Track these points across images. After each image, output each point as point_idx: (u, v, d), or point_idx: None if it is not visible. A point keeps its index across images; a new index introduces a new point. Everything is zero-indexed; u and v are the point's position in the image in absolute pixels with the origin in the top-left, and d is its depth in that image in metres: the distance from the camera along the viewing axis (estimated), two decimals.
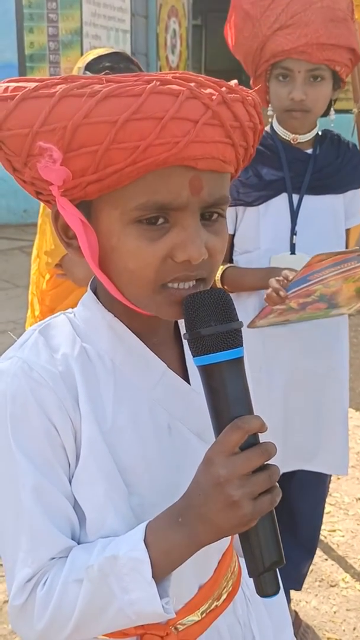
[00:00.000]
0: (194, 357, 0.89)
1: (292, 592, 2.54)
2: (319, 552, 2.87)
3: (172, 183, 0.84)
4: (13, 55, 8.18)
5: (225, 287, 2.10)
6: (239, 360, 0.88)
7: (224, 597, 1.07)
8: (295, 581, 2.45)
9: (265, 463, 0.86)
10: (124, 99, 0.80)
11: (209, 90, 0.85)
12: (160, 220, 0.87)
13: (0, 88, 0.85)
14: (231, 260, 2.14)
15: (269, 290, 1.83)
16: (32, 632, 0.93)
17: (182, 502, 0.88)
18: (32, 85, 0.82)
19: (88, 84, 0.81)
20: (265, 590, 0.89)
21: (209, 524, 0.85)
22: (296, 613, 2.51)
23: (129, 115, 0.79)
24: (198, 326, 0.87)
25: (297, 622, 2.46)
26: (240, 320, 0.90)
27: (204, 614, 1.03)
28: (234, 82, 0.93)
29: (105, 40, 8.68)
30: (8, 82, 0.85)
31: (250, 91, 0.92)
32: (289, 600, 2.48)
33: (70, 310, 1.03)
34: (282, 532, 2.49)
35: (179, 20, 10.74)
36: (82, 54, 7.88)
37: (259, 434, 0.88)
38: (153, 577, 0.86)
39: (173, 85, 0.82)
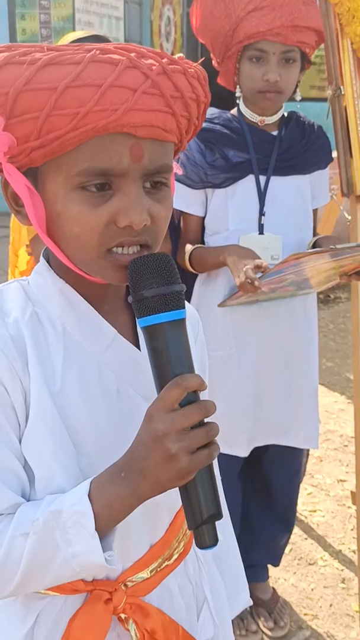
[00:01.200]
0: (137, 318, 0.92)
1: (271, 570, 2.59)
2: (299, 531, 2.91)
3: (113, 150, 0.87)
4: (4, 42, 8.11)
5: (194, 267, 2.13)
6: (181, 322, 0.92)
7: (175, 557, 1.10)
8: (273, 556, 2.49)
9: (206, 421, 0.90)
10: (64, 67, 0.83)
11: (149, 61, 0.87)
12: (104, 187, 0.89)
13: None
14: (203, 242, 2.17)
15: (243, 278, 1.85)
16: None
17: (125, 458, 0.91)
18: None
19: (30, 52, 0.84)
20: (203, 541, 0.92)
21: (148, 477, 0.89)
22: (274, 590, 2.55)
23: (68, 82, 0.82)
24: (141, 288, 0.90)
25: (274, 598, 2.50)
26: (182, 284, 0.92)
27: (154, 572, 1.06)
28: (179, 55, 0.95)
29: (98, 27, 8.66)
30: None
31: (195, 64, 0.95)
32: (267, 576, 2.52)
33: (24, 277, 1.05)
34: (259, 507, 2.53)
35: (173, 8, 10.71)
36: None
37: (200, 392, 0.91)
38: (96, 529, 0.89)
39: (113, 55, 0.85)
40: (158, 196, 0.94)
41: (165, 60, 0.89)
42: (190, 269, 2.13)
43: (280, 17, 1.91)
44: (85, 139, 0.86)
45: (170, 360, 0.90)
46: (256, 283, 1.82)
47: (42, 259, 1.05)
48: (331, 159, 2.19)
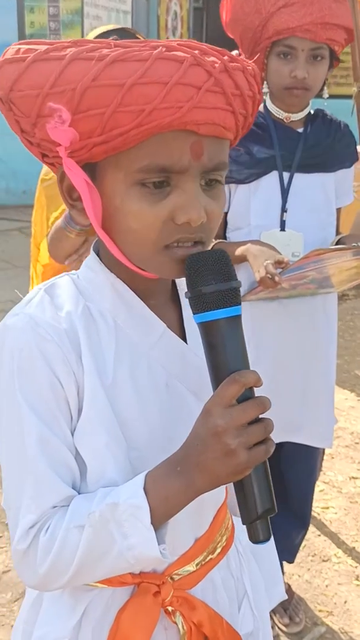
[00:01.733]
0: (194, 314, 0.93)
1: (285, 566, 2.59)
2: (312, 528, 2.92)
3: (174, 147, 0.88)
4: (13, 35, 8.14)
5: None
6: (237, 318, 0.92)
7: (218, 550, 1.12)
8: (288, 553, 2.50)
9: (261, 416, 0.91)
10: (131, 64, 0.83)
11: (211, 58, 0.88)
12: (162, 184, 0.90)
13: (12, 50, 0.88)
14: (225, 238, 2.17)
15: (263, 273, 1.86)
16: (34, 576, 0.97)
17: (181, 452, 0.92)
18: (43, 47, 0.85)
19: (97, 48, 0.84)
20: (257, 536, 0.93)
21: (206, 471, 0.89)
22: (289, 586, 2.56)
23: (135, 79, 0.83)
24: (199, 284, 0.91)
25: (289, 594, 2.51)
26: (239, 280, 0.93)
27: (199, 565, 1.08)
28: (235, 52, 0.96)
29: (106, 21, 8.64)
30: (20, 44, 0.88)
31: (250, 61, 0.96)
32: (282, 572, 2.53)
33: (73, 271, 1.06)
34: None
35: (180, 3, 10.67)
36: (82, 35, 7.87)
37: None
38: (151, 523, 0.90)
39: (178, 52, 0.86)
40: (213, 193, 0.95)
41: (226, 57, 0.89)
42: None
43: (310, 14, 1.91)
44: (148, 135, 0.86)
45: (226, 356, 0.91)
46: (276, 278, 1.82)
47: (92, 252, 1.05)
48: (357, 158, 2.19)
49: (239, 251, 2.00)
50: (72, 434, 0.97)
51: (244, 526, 0.95)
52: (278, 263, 1.85)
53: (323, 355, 2.25)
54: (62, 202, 2.28)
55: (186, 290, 0.93)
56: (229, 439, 0.87)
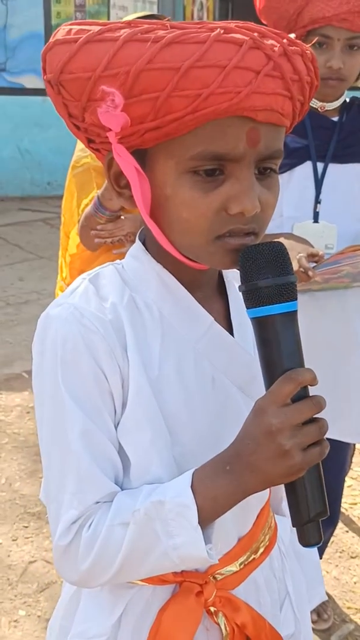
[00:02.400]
0: (248, 309, 0.89)
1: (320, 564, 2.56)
2: (340, 524, 2.89)
3: (230, 134, 0.84)
4: (40, 25, 8.13)
5: None
6: (293, 314, 0.89)
7: (261, 550, 1.09)
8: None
9: (315, 416, 0.87)
10: (187, 46, 0.80)
11: (271, 42, 0.84)
12: (216, 172, 0.87)
13: (63, 30, 0.85)
14: None
15: (296, 267, 1.82)
16: (74, 573, 0.95)
17: (231, 451, 0.89)
18: (96, 28, 0.82)
19: (152, 29, 0.81)
20: (308, 539, 0.90)
21: (257, 472, 0.86)
22: None
23: (192, 63, 0.79)
24: (255, 278, 0.87)
25: None
26: (295, 275, 0.90)
27: (242, 565, 1.05)
28: (292, 35, 0.92)
29: (132, 11, 8.59)
30: (71, 24, 0.85)
31: (308, 46, 0.92)
32: None
33: (118, 261, 1.03)
34: None
35: None
36: None
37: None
38: (198, 522, 0.88)
39: (236, 34, 0.82)
40: (267, 182, 0.91)
41: (285, 40, 0.86)
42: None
43: (347, 3, 1.86)
44: (204, 122, 0.83)
45: (281, 353, 0.88)
46: (310, 273, 1.79)
47: (137, 242, 1.02)
48: None
49: None
50: (116, 428, 0.95)
51: (288, 526, 0.92)
52: (311, 256, 1.82)
53: (354, 349, 2.21)
54: (92, 190, 2.27)
55: (239, 284, 0.90)
56: (283, 439, 0.84)
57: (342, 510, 2.99)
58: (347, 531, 2.89)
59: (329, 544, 2.68)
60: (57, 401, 0.93)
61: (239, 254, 0.89)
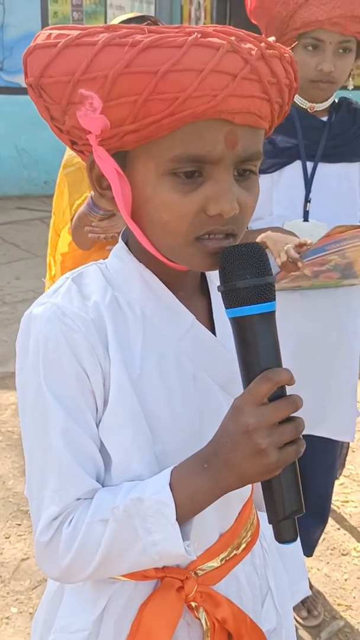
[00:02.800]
0: (227, 309, 0.91)
1: (304, 559, 2.58)
2: (331, 521, 2.90)
3: (208, 136, 0.85)
4: (37, 25, 8.12)
5: None
6: (271, 314, 0.90)
7: (242, 546, 1.10)
8: (306, 547, 2.48)
9: (292, 415, 0.89)
10: (165, 50, 0.81)
11: (248, 45, 0.86)
12: (195, 174, 0.88)
13: (43, 35, 0.86)
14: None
15: (284, 258, 1.83)
16: (55, 569, 0.96)
17: (209, 449, 0.91)
18: (75, 33, 0.83)
19: (130, 33, 0.82)
20: (283, 536, 0.92)
21: (234, 470, 0.88)
22: (307, 579, 2.54)
23: (169, 67, 0.80)
24: (233, 278, 0.89)
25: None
26: (273, 275, 0.91)
27: (224, 561, 1.06)
28: (272, 38, 0.93)
29: (129, 11, 8.59)
30: (51, 29, 0.86)
31: (287, 48, 0.93)
32: None
33: (101, 261, 1.05)
34: None
35: None
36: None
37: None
38: (177, 519, 0.89)
39: (214, 38, 0.83)
40: (246, 184, 0.93)
41: (263, 44, 0.87)
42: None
43: (339, 7, 1.87)
44: (181, 124, 0.84)
45: (259, 352, 0.89)
46: (299, 264, 1.80)
47: (120, 242, 1.04)
48: None
49: (258, 238, 1.98)
50: (97, 426, 0.96)
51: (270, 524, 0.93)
52: (299, 246, 1.83)
53: (346, 347, 2.22)
54: (85, 190, 2.28)
55: (218, 283, 0.91)
56: (259, 438, 0.85)
57: (334, 507, 3.00)
58: (339, 529, 2.91)
59: (320, 542, 2.69)
60: (39, 399, 0.94)
61: (217, 257, 0.90)
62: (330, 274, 2.00)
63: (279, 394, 0.88)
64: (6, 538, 2.71)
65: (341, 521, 2.95)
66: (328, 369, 2.21)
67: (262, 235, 1.96)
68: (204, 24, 10.57)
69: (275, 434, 0.86)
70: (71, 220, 2.27)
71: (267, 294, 0.89)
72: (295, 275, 1.93)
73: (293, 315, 2.13)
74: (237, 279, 0.88)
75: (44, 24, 8.19)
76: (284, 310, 2.07)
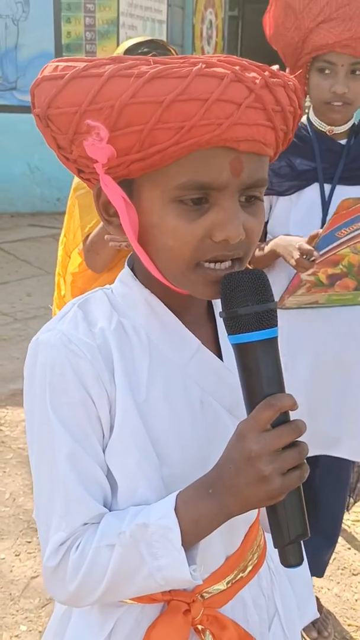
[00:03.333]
0: (229, 335, 0.92)
1: (315, 579, 2.56)
2: (342, 541, 2.89)
3: (213, 164, 0.87)
4: (50, 45, 8.22)
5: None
6: (273, 340, 0.91)
7: (249, 569, 1.10)
8: (316, 568, 2.47)
9: (295, 440, 0.89)
10: (170, 80, 0.83)
11: (252, 74, 0.87)
12: (201, 200, 0.89)
13: (50, 67, 0.88)
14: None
15: (297, 255, 1.84)
16: (64, 593, 0.97)
17: (213, 474, 0.91)
18: (82, 65, 0.85)
19: (136, 64, 0.84)
20: (289, 560, 0.92)
21: (238, 496, 0.89)
22: (317, 599, 2.53)
23: (174, 97, 0.82)
24: (235, 305, 0.90)
25: (318, 607, 2.48)
26: (275, 301, 0.92)
27: (230, 584, 1.07)
28: (275, 66, 0.95)
29: (142, 31, 8.68)
30: (58, 61, 0.88)
31: (291, 76, 0.95)
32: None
33: (107, 286, 1.06)
34: None
35: (215, 12, 10.70)
36: (118, 44, 7.90)
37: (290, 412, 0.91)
38: (182, 544, 0.90)
39: (218, 68, 0.85)
40: (252, 210, 0.94)
41: (267, 73, 0.88)
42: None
43: (349, 30, 1.90)
44: (187, 153, 0.85)
45: (261, 378, 0.90)
46: (314, 255, 1.81)
47: (126, 267, 1.05)
48: None
49: (267, 248, 2.00)
50: (104, 451, 0.97)
51: None
52: (310, 240, 1.85)
53: None
54: (96, 213, 2.30)
55: (221, 310, 0.92)
56: (262, 464, 0.86)
57: (345, 527, 2.99)
58: (350, 548, 2.89)
59: (330, 561, 2.68)
60: (45, 425, 0.95)
61: (220, 285, 0.92)
62: (346, 281, 2.00)
63: (282, 420, 0.89)
64: (16, 555, 2.72)
65: (352, 541, 2.94)
66: (345, 388, 2.19)
67: (272, 243, 1.98)
68: (216, 42, 10.67)
69: (279, 461, 0.86)
70: (83, 242, 2.29)
71: (268, 320, 0.89)
72: (311, 283, 1.93)
73: (309, 332, 2.13)
74: (239, 305, 0.89)
75: (57, 44, 8.29)
76: (300, 328, 2.09)
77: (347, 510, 2.60)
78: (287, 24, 1.97)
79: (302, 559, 0.93)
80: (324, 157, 2.08)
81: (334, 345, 2.15)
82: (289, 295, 2.03)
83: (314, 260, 1.84)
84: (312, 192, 2.08)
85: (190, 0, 9.97)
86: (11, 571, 2.64)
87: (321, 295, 2.04)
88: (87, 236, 2.26)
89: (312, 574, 2.45)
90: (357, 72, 1.97)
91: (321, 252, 1.84)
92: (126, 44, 2.30)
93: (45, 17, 8.24)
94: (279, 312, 2.16)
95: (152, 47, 2.20)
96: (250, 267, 0.94)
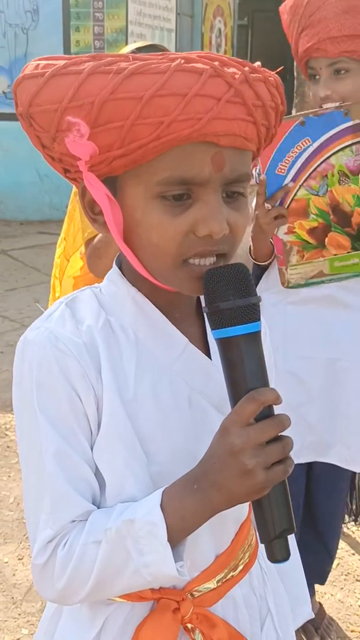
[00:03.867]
0: (212, 330, 0.92)
1: (317, 585, 2.55)
2: (346, 546, 2.87)
3: (195, 159, 0.87)
4: (59, 53, 8.29)
5: (257, 259, 2.06)
6: (256, 334, 0.91)
7: (240, 568, 1.10)
8: (318, 576, 2.45)
9: (279, 434, 0.89)
10: (149, 76, 0.83)
11: (232, 70, 0.88)
12: (184, 196, 0.90)
13: (31, 66, 0.88)
14: None
15: (272, 210, 1.77)
16: (52, 591, 0.97)
17: (198, 470, 0.91)
18: (62, 62, 0.86)
19: (115, 61, 0.85)
20: (275, 556, 0.92)
21: (223, 491, 0.88)
22: (320, 605, 2.51)
23: (153, 92, 0.83)
24: (217, 300, 0.90)
25: (321, 614, 2.46)
26: (259, 295, 0.92)
27: (220, 583, 1.06)
28: (257, 63, 0.95)
29: (150, 39, 8.70)
30: (38, 60, 0.89)
31: (273, 72, 0.95)
32: (312, 592, 2.48)
33: (96, 285, 1.06)
34: (302, 527, 2.44)
35: (224, 20, 10.75)
36: None
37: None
38: (168, 540, 0.90)
39: (197, 64, 0.85)
40: (235, 205, 0.94)
41: (247, 68, 0.89)
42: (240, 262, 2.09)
43: (317, 34, 1.93)
44: (168, 148, 0.86)
45: (245, 373, 0.90)
46: (286, 183, 1.78)
47: (114, 266, 1.05)
48: None
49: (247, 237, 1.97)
50: (92, 449, 0.97)
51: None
52: (261, 186, 1.79)
53: (357, 371, 2.20)
54: None
55: (204, 305, 0.92)
56: (246, 458, 0.86)
57: (349, 532, 2.97)
58: (354, 554, 2.87)
59: (334, 567, 2.66)
60: (33, 423, 0.95)
61: None
62: (334, 236, 1.93)
63: (266, 414, 0.88)
64: (19, 559, 2.72)
65: (356, 546, 2.92)
66: (338, 393, 2.15)
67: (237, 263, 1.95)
68: (225, 51, 10.71)
69: (262, 455, 0.86)
70: (85, 245, 2.29)
71: (251, 314, 0.89)
72: (296, 245, 1.90)
73: (302, 335, 2.10)
74: (221, 300, 0.89)
75: (67, 52, 8.35)
76: (294, 330, 2.08)
77: (356, 521, 2.57)
78: (288, 37, 2.03)
79: (289, 555, 0.92)
80: None
81: (328, 350, 2.12)
82: (285, 267, 1.97)
83: (272, 202, 1.78)
84: None
85: (200, 8, 10.01)
86: (14, 575, 2.64)
87: (321, 263, 1.97)
88: (89, 240, 2.27)
89: (314, 582, 2.44)
90: (342, 72, 1.97)
91: (276, 193, 1.79)
92: (126, 49, 2.32)
93: (54, 26, 8.30)
94: (276, 310, 2.14)
95: (150, 51, 2.21)
96: (233, 263, 0.94)
